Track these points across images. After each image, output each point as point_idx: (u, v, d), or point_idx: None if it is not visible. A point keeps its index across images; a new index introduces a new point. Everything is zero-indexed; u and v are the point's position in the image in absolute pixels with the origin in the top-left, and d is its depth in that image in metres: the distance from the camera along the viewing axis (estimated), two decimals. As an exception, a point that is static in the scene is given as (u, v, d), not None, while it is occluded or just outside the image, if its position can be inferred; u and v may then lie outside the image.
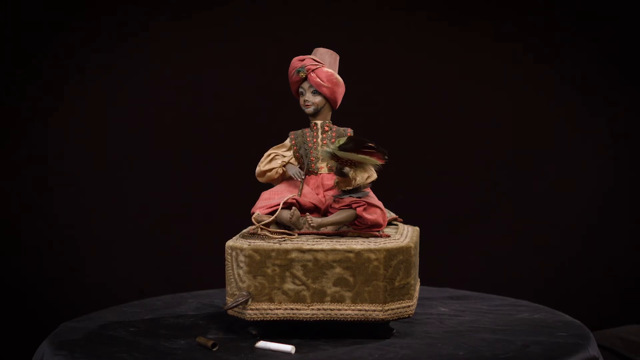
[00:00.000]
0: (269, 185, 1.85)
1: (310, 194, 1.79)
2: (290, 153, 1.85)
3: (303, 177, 1.81)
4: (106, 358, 1.62)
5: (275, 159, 1.84)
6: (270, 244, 1.69)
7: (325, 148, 1.74)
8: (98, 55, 2.91)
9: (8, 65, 2.85)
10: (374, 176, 1.74)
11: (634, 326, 2.75)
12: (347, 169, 1.73)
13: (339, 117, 1.88)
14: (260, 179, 1.85)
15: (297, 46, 1.95)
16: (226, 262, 1.72)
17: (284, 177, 1.85)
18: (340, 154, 1.68)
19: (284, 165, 1.84)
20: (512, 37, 3.01)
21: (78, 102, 2.92)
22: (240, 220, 1.91)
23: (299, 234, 1.73)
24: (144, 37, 2.94)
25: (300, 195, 1.78)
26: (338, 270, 1.67)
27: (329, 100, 1.82)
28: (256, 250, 1.68)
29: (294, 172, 1.81)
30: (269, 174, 1.84)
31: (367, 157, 1.68)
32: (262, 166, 1.84)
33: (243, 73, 2.99)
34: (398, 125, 3.03)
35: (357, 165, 1.71)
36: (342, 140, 1.68)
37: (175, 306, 2.07)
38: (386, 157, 1.69)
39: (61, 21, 2.87)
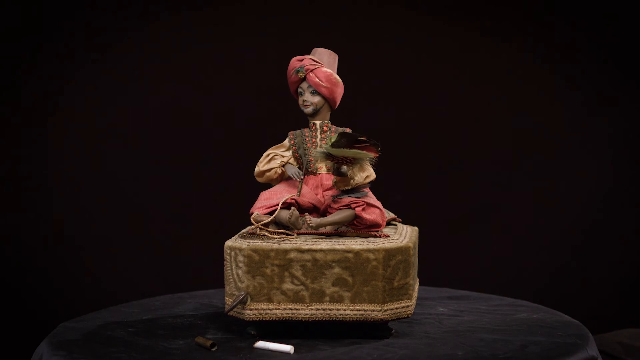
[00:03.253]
0: (267, 185, 1.85)
1: (309, 194, 1.79)
2: (289, 153, 1.85)
3: (302, 177, 1.81)
4: (105, 358, 1.62)
5: (274, 159, 1.84)
6: (269, 244, 1.69)
7: (319, 149, 1.74)
8: (98, 55, 2.91)
9: (8, 65, 2.85)
10: (373, 175, 1.74)
11: (633, 330, 2.75)
12: (344, 168, 1.73)
13: (338, 117, 1.88)
14: (259, 179, 1.85)
15: (297, 46, 1.96)
16: (225, 262, 1.72)
17: (283, 177, 1.85)
18: (334, 151, 1.67)
19: (283, 166, 1.83)
20: (512, 37, 3.01)
21: (78, 102, 2.92)
22: (239, 220, 1.91)
23: (297, 234, 1.73)
24: (143, 37, 2.94)
25: (299, 195, 1.78)
26: (337, 270, 1.67)
27: (327, 101, 1.82)
28: (255, 250, 1.68)
29: (293, 172, 1.81)
30: (267, 174, 1.84)
31: (361, 152, 1.68)
32: (261, 166, 1.84)
33: (243, 73, 2.99)
34: (397, 125, 3.03)
35: (353, 162, 1.71)
36: (334, 138, 1.67)
37: (174, 306, 2.06)
38: (380, 150, 1.69)
39: (61, 21, 2.87)
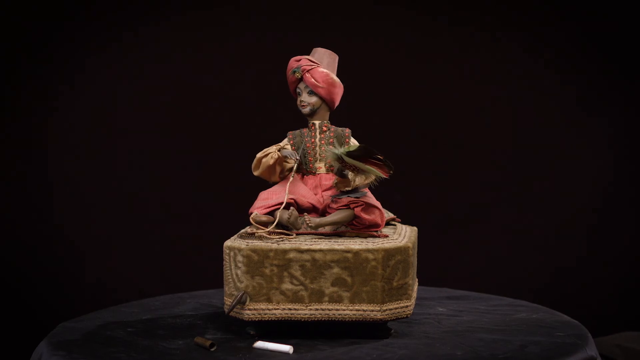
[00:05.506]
0: (267, 185, 1.84)
1: (308, 194, 1.79)
2: (288, 152, 1.84)
3: (298, 157, 1.80)
4: (104, 358, 1.62)
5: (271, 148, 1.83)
6: (268, 244, 1.69)
7: (333, 149, 1.72)
8: (98, 54, 2.91)
9: (8, 64, 2.85)
10: (373, 179, 1.74)
11: (632, 333, 2.75)
12: (348, 173, 1.73)
13: (338, 117, 1.88)
14: (255, 172, 1.81)
15: (298, 46, 1.95)
16: (224, 262, 1.72)
17: (281, 167, 1.81)
18: (347, 159, 1.67)
19: (279, 150, 1.82)
20: (511, 37, 3.01)
21: (78, 102, 2.92)
22: (239, 220, 1.90)
23: (297, 234, 1.73)
24: (143, 37, 2.94)
25: (293, 177, 1.78)
26: (336, 270, 1.67)
27: (325, 101, 1.82)
28: (254, 251, 1.68)
29: (289, 153, 1.80)
30: (264, 159, 1.80)
31: (373, 169, 1.68)
32: (258, 155, 1.82)
33: (242, 73, 2.99)
34: (397, 124, 3.03)
35: (360, 172, 1.71)
36: (352, 147, 1.67)
37: (174, 306, 2.06)
38: (391, 172, 1.69)
39: (61, 21, 2.87)
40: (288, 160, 1.82)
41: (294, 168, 1.80)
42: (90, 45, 2.90)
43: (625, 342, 2.64)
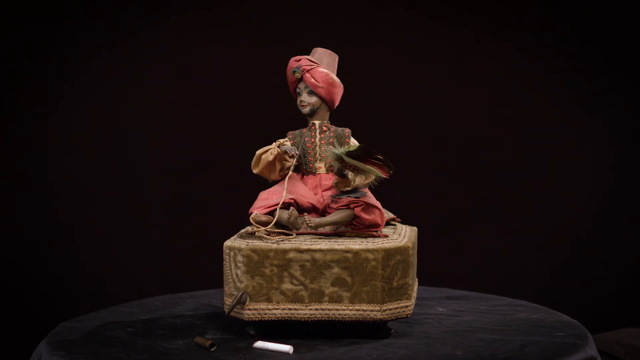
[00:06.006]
0: (267, 185, 1.84)
1: (308, 194, 1.79)
2: (288, 152, 1.84)
3: (297, 152, 1.80)
4: (104, 358, 1.62)
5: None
6: (268, 244, 1.69)
7: (333, 149, 1.72)
8: (98, 54, 2.91)
9: (8, 64, 2.85)
10: (372, 179, 1.74)
11: (632, 329, 2.74)
12: (348, 173, 1.73)
13: (338, 117, 1.88)
14: (255, 169, 1.81)
15: (298, 46, 1.96)
16: (224, 262, 1.72)
17: (281, 166, 1.82)
18: (347, 159, 1.67)
19: (279, 146, 1.82)
20: (511, 37, 3.01)
21: (78, 102, 2.92)
22: (239, 220, 1.91)
23: (297, 234, 1.73)
24: (143, 37, 2.94)
25: (290, 172, 1.77)
26: (336, 270, 1.67)
27: (325, 101, 1.82)
28: (254, 251, 1.68)
29: (288, 149, 1.80)
30: (264, 156, 1.80)
31: (373, 169, 1.68)
32: (258, 152, 1.82)
33: (243, 73, 2.99)
34: (397, 124, 3.03)
35: (360, 172, 1.71)
36: (352, 147, 1.68)
37: (173, 306, 2.06)
38: (391, 172, 1.69)
39: (61, 21, 2.87)
40: (288, 158, 1.82)
41: (293, 163, 1.80)
42: (90, 45, 2.90)
43: (625, 339, 2.63)
